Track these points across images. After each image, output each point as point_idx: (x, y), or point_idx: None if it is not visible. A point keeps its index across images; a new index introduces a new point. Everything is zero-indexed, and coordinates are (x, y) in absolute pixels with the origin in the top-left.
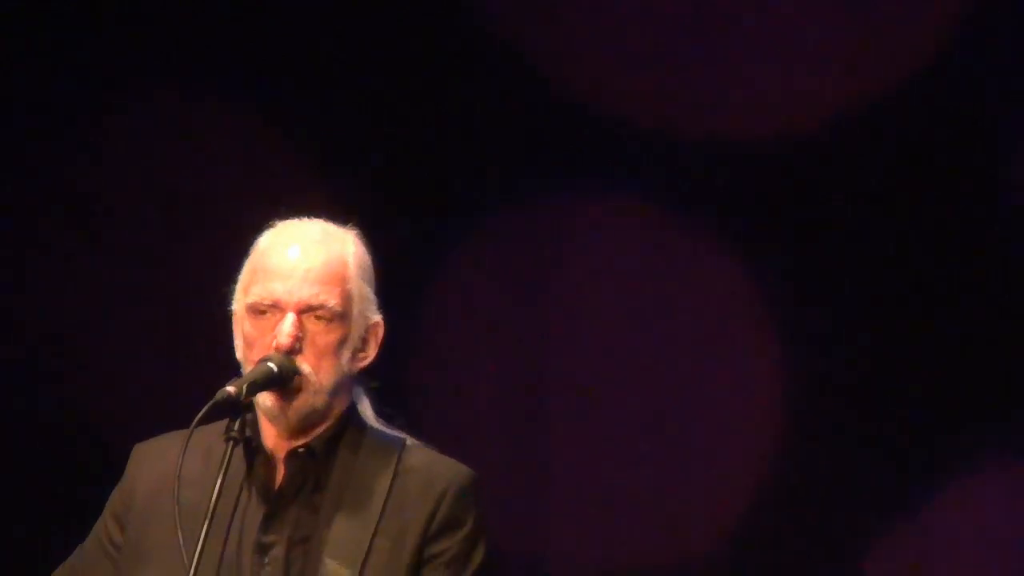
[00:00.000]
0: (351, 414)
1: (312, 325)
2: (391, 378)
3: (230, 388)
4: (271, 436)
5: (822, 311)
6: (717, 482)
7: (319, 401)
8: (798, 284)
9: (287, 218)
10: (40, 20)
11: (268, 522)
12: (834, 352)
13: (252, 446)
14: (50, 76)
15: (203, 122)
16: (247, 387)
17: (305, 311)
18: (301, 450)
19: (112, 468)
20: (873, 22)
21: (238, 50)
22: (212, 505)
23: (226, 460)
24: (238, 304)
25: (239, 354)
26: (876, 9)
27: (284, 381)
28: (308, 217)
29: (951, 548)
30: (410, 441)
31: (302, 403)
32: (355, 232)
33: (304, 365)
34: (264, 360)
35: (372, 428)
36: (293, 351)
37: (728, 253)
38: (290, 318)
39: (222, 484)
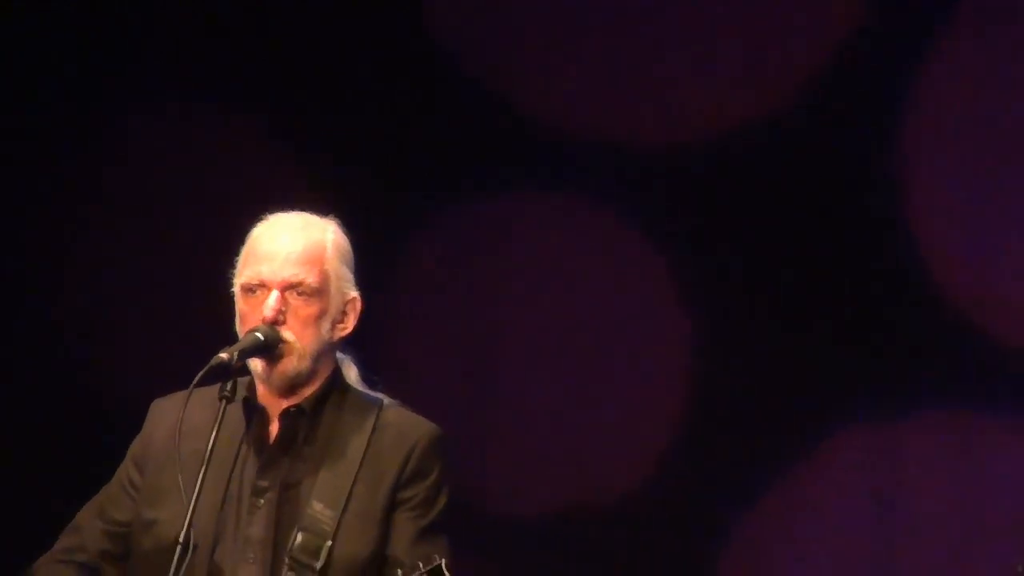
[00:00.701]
0: (336, 377)
1: (294, 300)
2: (368, 344)
3: (223, 354)
4: (266, 396)
5: (723, 287)
6: (635, 432)
7: (303, 365)
8: (703, 268)
9: (276, 211)
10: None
11: (264, 469)
12: (732, 326)
13: (250, 405)
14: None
15: (213, 134)
16: (238, 353)
17: (287, 288)
18: (293, 409)
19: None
20: (764, 45)
21: (243, 72)
22: (208, 453)
23: (220, 415)
24: (235, 285)
25: (237, 328)
26: (768, 32)
27: (269, 348)
28: (294, 210)
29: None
30: (387, 401)
31: (286, 366)
32: (336, 222)
33: (288, 334)
34: (252, 330)
35: (355, 390)
36: (277, 322)
37: (643, 241)
38: (274, 294)
39: (216, 435)
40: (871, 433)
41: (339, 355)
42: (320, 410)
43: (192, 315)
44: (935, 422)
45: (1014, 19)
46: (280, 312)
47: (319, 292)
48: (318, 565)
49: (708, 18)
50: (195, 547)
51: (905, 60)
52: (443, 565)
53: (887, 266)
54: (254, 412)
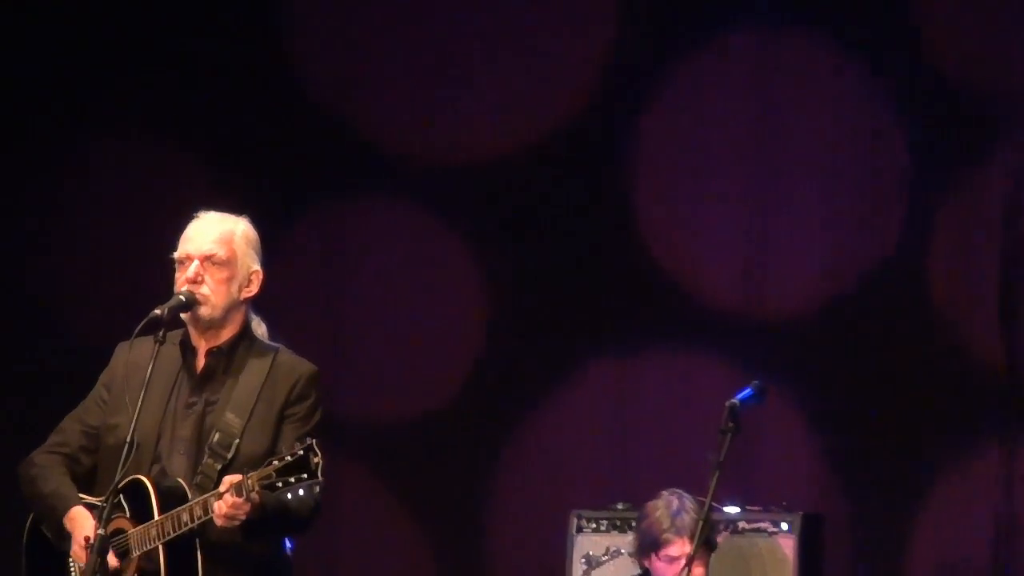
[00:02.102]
0: (247, 329)
1: (210, 268)
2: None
3: (157, 310)
4: (196, 339)
5: (512, 271)
6: (444, 366)
7: (215, 314)
8: (499, 255)
9: (205, 211)
10: None
11: (193, 391)
12: (516, 296)
13: (185, 346)
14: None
15: (158, 163)
16: (168, 310)
17: (205, 259)
18: (215, 349)
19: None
20: (539, 89)
21: (175, 112)
22: (147, 380)
23: (155, 353)
24: (174, 259)
25: (174, 289)
26: (540, 79)
27: (191, 304)
28: (216, 211)
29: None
30: (282, 348)
31: (203, 313)
32: (247, 219)
33: (204, 290)
34: (177, 293)
35: (259, 340)
36: (197, 283)
37: (454, 235)
38: (195, 263)
39: (153, 368)
40: (613, 366)
41: (253, 316)
42: (234, 351)
43: (145, 283)
44: (658, 359)
45: (720, 81)
46: (199, 275)
47: (228, 263)
48: (229, 456)
49: (495, 71)
50: (139, 445)
51: (639, 100)
52: (314, 444)
53: (624, 249)
54: (187, 351)
